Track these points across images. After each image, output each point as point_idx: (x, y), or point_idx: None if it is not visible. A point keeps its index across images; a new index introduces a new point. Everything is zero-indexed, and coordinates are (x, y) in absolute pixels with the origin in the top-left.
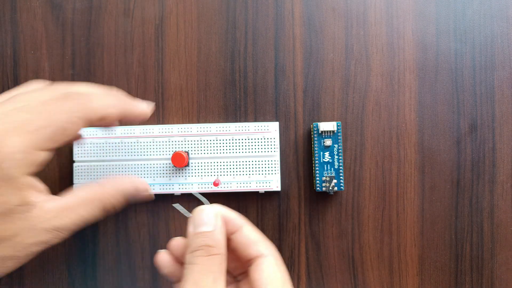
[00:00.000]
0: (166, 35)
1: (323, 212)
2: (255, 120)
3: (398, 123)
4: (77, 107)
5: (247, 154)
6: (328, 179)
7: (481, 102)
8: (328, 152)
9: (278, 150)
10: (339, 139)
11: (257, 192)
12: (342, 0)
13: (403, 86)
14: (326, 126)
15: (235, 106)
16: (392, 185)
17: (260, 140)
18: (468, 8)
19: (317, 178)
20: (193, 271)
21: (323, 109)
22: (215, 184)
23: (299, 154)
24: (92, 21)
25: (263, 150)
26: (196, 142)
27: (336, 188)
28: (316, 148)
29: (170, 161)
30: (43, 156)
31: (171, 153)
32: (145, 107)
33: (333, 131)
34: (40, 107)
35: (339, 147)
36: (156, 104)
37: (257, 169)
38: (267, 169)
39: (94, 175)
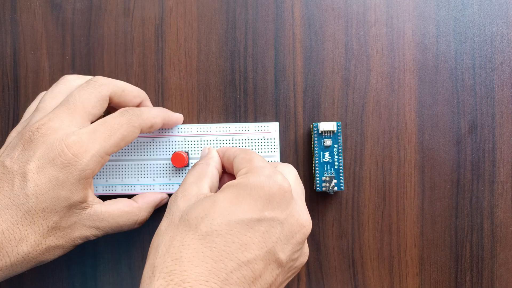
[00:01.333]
0: (166, 35)
1: (323, 212)
2: (255, 120)
3: (398, 123)
4: (133, 119)
5: None
6: (328, 179)
7: (481, 102)
8: (328, 152)
9: (278, 150)
10: (339, 139)
11: None
12: (342, 0)
13: (403, 86)
14: (326, 126)
15: (235, 106)
16: (392, 185)
17: (260, 141)
18: (468, 8)
19: (317, 178)
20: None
21: (323, 109)
22: None
23: (299, 154)
24: (92, 21)
25: (263, 150)
26: (196, 143)
27: (336, 188)
28: (316, 148)
29: (170, 161)
30: (107, 159)
31: (171, 153)
32: (180, 116)
33: (333, 131)
34: (106, 120)
35: (339, 147)
36: (156, 104)
37: None
38: None
39: (96, 177)
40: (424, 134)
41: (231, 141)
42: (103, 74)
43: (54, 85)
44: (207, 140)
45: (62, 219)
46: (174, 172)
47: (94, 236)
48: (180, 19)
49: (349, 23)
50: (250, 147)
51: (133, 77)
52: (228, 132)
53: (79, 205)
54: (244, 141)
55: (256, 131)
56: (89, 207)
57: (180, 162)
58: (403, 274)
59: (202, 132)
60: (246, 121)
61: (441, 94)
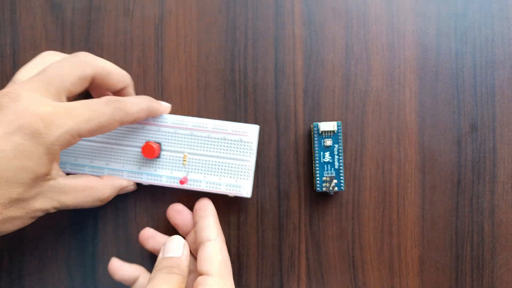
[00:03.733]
0: (166, 35)
1: (323, 213)
2: (255, 120)
3: (398, 123)
4: (116, 112)
5: (221, 154)
6: (328, 179)
7: (481, 102)
8: (328, 152)
9: (254, 155)
10: (339, 139)
11: (257, 193)
12: (342, 0)
13: (404, 86)
14: (326, 126)
15: (235, 106)
16: (392, 185)
17: (236, 143)
18: (469, 7)
19: (317, 178)
20: (152, 283)
21: (323, 109)
22: (181, 182)
23: (299, 154)
24: (91, 21)
25: (238, 153)
26: (170, 134)
27: (336, 188)
28: (316, 148)
29: (140, 150)
30: (77, 141)
31: (144, 141)
32: (166, 108)
33: (333, 131)
34: (89, 104)
35: (339, 147)
36: None
37: (229, 172)
38: (239, 173)
39: (64, 153)
40: (425, 134)
41: (206, 139)
42: None
43: (32, 60)
44: (182, 133)
45: (26, 190)
46: (144, 161)
47: (55, 209)
48: (180, 19)
49: (349, 23)
50: (225, 148)
51: (133, 76)
52: (204, 129)
53: (43, 177)
54: (219, 140)
55: (234, 132)
56: (52, 179)
57: (150, 153)
58: (403, 274)
59: (178, 125)
60: (246, 121)
61: (442, 94)
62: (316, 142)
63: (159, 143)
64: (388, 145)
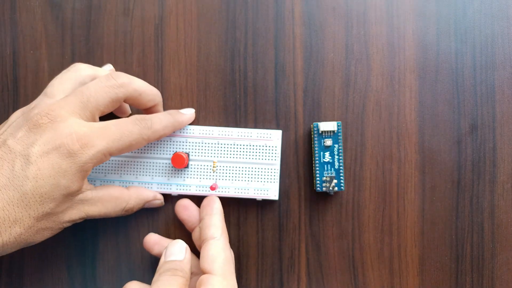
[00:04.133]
0: (166, 35)
1: (323, 213)
2: (255, 120)
3: (398, 123)
4: (144, 131)
5: (248, 160)
6: (328, 179)
7: (481, 102)
8: (328, 152)
9: (279, 158)
10: (339, 139)
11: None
12: None
13: (404, 86)
14: (326, 126)
15: (235, 106)
16: (392, 185)
17: (261, 148)
18: (469, 7)
19: (317, 178)
20: (156, 285)
21: (323, 109)
22: (212, 188)
23: (299, 154)
24: (91, 20)
25: (264, 158)
26: (197, 144)
27: (336, 188)
28: (316, 148)
29: (170, 161)
30: (108, 159)
31: (172, 153)
32: (191, 116)
33: (333, 131)
34: (119, 124)
35: (340, 147)
36: None
37: (257, 176)
38: (266, 177)
39: (95, 171)
40: (425, 134)
41: (232, 146)
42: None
43: (64, 72)
44: (208, 143)
45: (57, 205)
46: (173, 172)
47: (82, 219)
48: (180, 19)
49: (349, 23)
50: (251, 154)
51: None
52: (230, 136)
53: (75, 193)
54: (245, 147)
55: (259, 137)
56: (81, 193)
57: (180, 163)
58: (403, 274)
59: (204, 135)
60: (246, 121)
61: (442, 94)
62: (316, 142)
63: (187, 153)
64: (388, 145)
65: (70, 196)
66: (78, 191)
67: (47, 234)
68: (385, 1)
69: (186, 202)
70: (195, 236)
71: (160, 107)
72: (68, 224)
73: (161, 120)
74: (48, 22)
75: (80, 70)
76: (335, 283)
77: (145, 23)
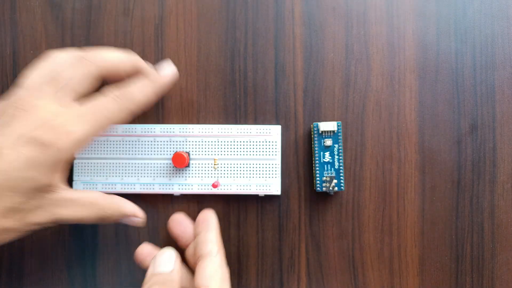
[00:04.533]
0: (166, 35)
1: (323, 213)
2: (255, 120)
3: (398, 123)
4: (125, 107)
5: (248, 156)
6: (328, 179)
7: (481, 102)
8: (328, 152)
9: (280, 153)
10: (339, 139)
11: (257, 194)
12: None
13: (404, 86)
14: (326, 126)
15: (235, 106)
16: (392, 185)
17: (261, 143)
18: (469, 7)
19: (317, 178)
20: None
21: (323, 109)
22: (214, 186)
23: (299, 154)
24: (91, 20)
25: (264, 153)
26: (197, 143)
27: (336, 188)
28: (316, 148)
29: (170, 161)
30: (90, 142)
31: (172, 153)
32: (173, 75)
33: (333, 131)
34: (96, 105)
35: (340, 147)
36: (155, 104)
37: (258, 172)
38: (267, 172)
39: (94, 173)
40: (425, 134)
41: (232, 143)
42: None
43: (36, 62)
44: (209, 141)
45: (25, 201)
46: (174, 172)
47: (53, 223)
48: (180, 19)
49: (349, 23)
50: (252, 150)
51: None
52: (229, 133)
53: (45, 188)
54: (245, 143)
55: (258, 133)
56: (54, 191)
57: (180, 163)
58: (403, 274)
59: (204, 133)
60: (246, 121)
61: (442, 94)
62: (316, 142)
63: (188, 152)
64: (388, 145)
65: (40, 191)
66: (49, 186)
67: (11, 235)
68: (385, 1)
69: (180, 217)
70: (189, 253)
71: (146, 70)
72: (37, 227)
73: (141, 89)
74: (48, 22)
75: (54, 57)
76: (335, 283)
77: (145, 23)
